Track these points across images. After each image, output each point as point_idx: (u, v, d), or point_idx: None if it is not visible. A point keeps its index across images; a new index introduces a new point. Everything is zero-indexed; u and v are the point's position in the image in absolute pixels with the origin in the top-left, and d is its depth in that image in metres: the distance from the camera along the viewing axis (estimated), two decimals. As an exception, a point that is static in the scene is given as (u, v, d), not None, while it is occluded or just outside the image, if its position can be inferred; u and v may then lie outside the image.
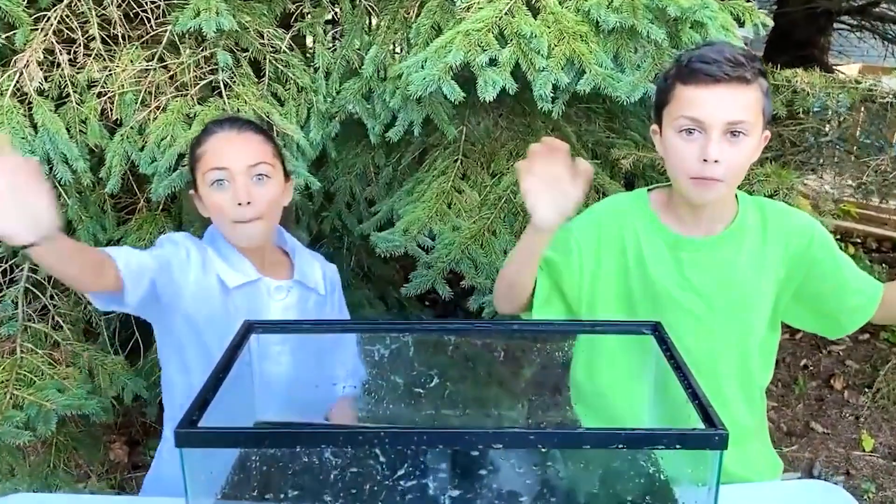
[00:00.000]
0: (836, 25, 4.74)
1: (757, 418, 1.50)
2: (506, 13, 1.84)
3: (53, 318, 2.00)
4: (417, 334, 1.22)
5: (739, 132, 1.28)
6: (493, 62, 1.81)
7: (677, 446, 0.82)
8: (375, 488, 0.89)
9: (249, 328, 1.05)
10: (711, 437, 0.81)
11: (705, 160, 1.26)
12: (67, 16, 1.87)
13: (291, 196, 1.56)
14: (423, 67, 1.84)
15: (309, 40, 2.31)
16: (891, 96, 2.10)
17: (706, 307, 1.38)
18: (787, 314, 1.45)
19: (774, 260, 1.39)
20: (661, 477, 0.99)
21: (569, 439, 0.82)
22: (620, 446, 0.82)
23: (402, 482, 0.89)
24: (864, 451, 2.77)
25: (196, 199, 1.49)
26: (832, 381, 3.18)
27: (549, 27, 1.83)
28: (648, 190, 1.48)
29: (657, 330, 1.04)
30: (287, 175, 1.54)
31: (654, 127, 1.40)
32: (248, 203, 1.40)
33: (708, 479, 0.84)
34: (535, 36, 1.80)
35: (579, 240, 1.42)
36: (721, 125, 1.26)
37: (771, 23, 2.11)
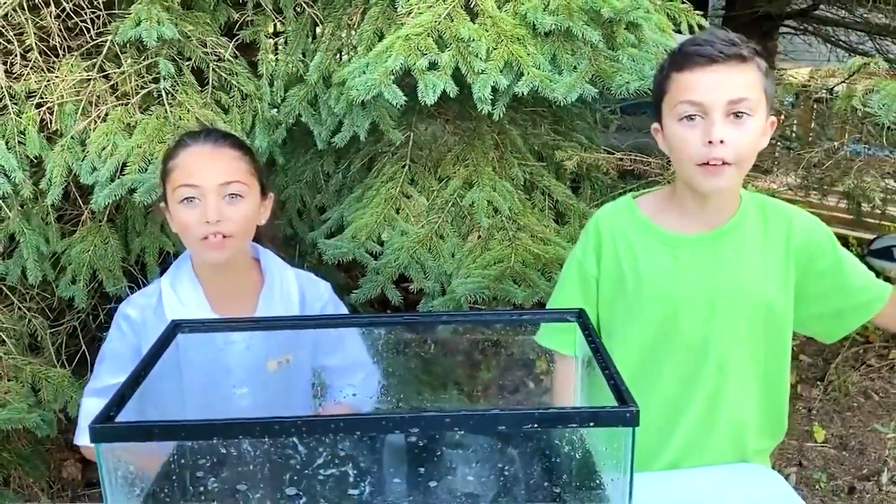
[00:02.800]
0: (782, 30, 4.87)
1: (769, 416, 1.43)
2: (445, 17, 1.87)
3: (-4, 333, 1.97)
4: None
5: (743, 112, 1.23)
6: (432, 66, 1.83)
7: (590, 424, 0.84)
8: (296, 478, 0.90)
9: (176, 328, 1.05)
10: (622, 413, 0.83)
11: (710, 142, 1.21)
12: (3, 26, 1.86)
13: (269, 213, 1.50)
14: (364, 72, 1.86)
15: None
16: (825, 91, 2.15)
17: (709, 303, 1.33)
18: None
19: (776, 257, 1.34)
20: (589, 459, 1.01)
21: (483, 421, 0.83)
22: (534, 426, 0.83)
23: (321, 471, 0.90)
24: (815, 442, 2.83)
25: (165, 212, 1.44)
26: (786, 376, 3.24)
27: (487, 31, 1.86)
28: (633, 197, 1.44)
29: (581, 317, 1.06)
30: (265, 191, 1.47)
31: (655, 125, 1.35)
32: (218, 222, 1.34)
33: (623, 456, 0.86)
34: (474, 39, 1.83)
35: (591, 268, 1.41)
36: (722, 105, 1.21)
37: (708, 24, 2.16)
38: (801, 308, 1.37)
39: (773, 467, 2.64)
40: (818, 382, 3.17)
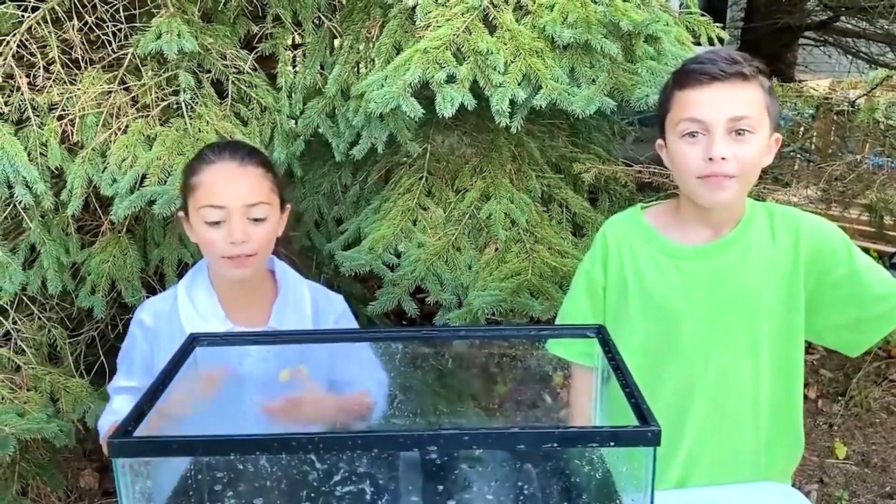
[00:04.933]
0: (802, 41, 4.84)
1: (782, 433, 1.40)
2: (463, 31, 1.87)
3: (16, 343, 1.99)
4: (368, 343, 1.22)
5: (744, 129, 1.24)
6: (451, 79, 1.83)
7: (611, 444, 0.83)
8: (313, 494, 0.89)
9: (193, 341, 1.05)
10: (644, 433, 0.82)
11: (711, 159, 1.22)
12: (27, 39, 1.88)
13: (286, 224, 1.50)
14: (382, 86, 1.86)
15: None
16: (846, 104, 2.13)
17: (711, 315, 1.33)
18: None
19: (784, 267, 1.32)
20: (608, 479, 1.00)
21: (503, 439, 0.82)
22: (554, 445, 0.82)
23: (338, 488, 0.89)
24: (837, 458, 2.78)
25: (185, 223, 1.44)
26: (806, 390, 3.20)
27: (505, 44, 1.86)
28: (642, 208, 1.45)
29: (601, 333, 1.05)
30: (283, 204, 1.47)
31: (660, 142, 1.37)
32: (243, 242, 1.35)
33: (644, 476, 0.84)
34: (492, 52, 1.83)
35: (600, 277, 1.41)
36: (723, 123, 1.22)
37: (727, 36, 2.15)
38: (817, 318, 1.34)
39: (794, 484, 2.61)
40: (839, 398, 3.12)
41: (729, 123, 1.23)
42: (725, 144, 1.23)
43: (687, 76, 1.27)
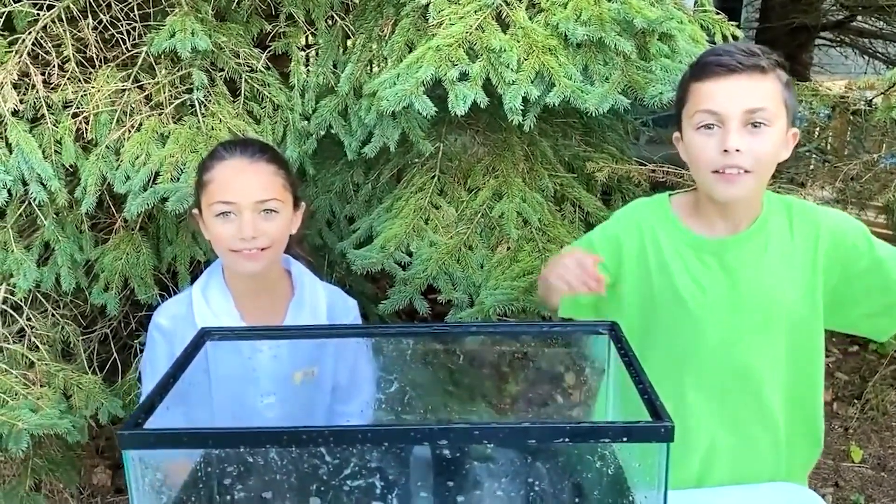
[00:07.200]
0: (817, 41, 4.80)
1: (801, 428, 1.40)
2: (476, 28, 1.86)
3: (30, 340, 2.00)
4: (379, 339, 1.22)
5: (760, 122, 1.23)
6: (463, 77, 1.83)
7: (623, 439, 0.82)
8: (322, 488, 0.89)
9: (204, 335, 1.05)
10: (657, 429, 0.81)
11: (726, 151, 1.22)
12: (42, 38, 1.90)
13: (300, 223, 1.50)
14: (395, 84, 1.86)
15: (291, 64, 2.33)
16: (863, 103, 2.11)
17: (732, 309, 1.33)
18: (830, 320, 1.35)
19: (801, 263, 1.32)
20: (620, 475, 0.99)
21: (514, 434, 0.82)
22: (566, 440, 0.81)
23: (347, 482, 0.89)
24: (853, 462, 2.75)
25: (199, 220, 1.45)
26: (821, 394, 3.16)
27: (518, 41, 1.85)
28: (669, 195, 1.45)
29: (613, 330, 1.04)
30: (297, 202, 1.48)
31: (676, 135, 1.36)
32: (253, 238, 1.36)
33: (657, 473, 0.83)
34: (505, 50, 1.82)
35: (601, 250, 1.40)
36: (739, 115, 1.22)
37: (741, 34, 2.14)
38: (848, 309, 1.35)
39: (809, 487, 2.57)
40: (855, 400, 3.09)
41: (745, 115, 1.23)
42: (740, 137, 1.22)
43: (704, 68, 1.27)
